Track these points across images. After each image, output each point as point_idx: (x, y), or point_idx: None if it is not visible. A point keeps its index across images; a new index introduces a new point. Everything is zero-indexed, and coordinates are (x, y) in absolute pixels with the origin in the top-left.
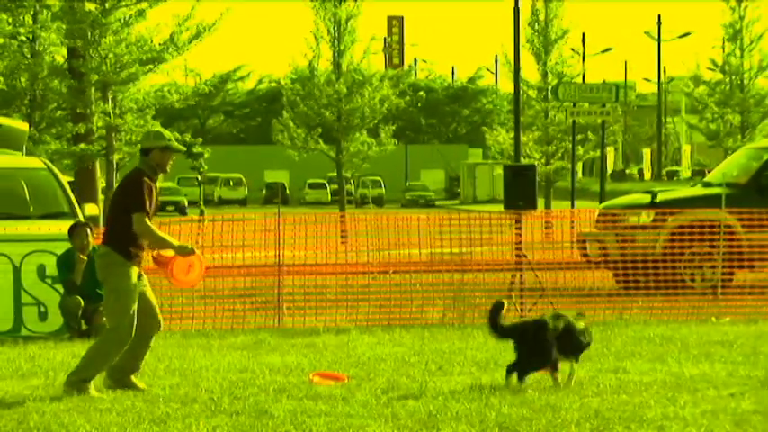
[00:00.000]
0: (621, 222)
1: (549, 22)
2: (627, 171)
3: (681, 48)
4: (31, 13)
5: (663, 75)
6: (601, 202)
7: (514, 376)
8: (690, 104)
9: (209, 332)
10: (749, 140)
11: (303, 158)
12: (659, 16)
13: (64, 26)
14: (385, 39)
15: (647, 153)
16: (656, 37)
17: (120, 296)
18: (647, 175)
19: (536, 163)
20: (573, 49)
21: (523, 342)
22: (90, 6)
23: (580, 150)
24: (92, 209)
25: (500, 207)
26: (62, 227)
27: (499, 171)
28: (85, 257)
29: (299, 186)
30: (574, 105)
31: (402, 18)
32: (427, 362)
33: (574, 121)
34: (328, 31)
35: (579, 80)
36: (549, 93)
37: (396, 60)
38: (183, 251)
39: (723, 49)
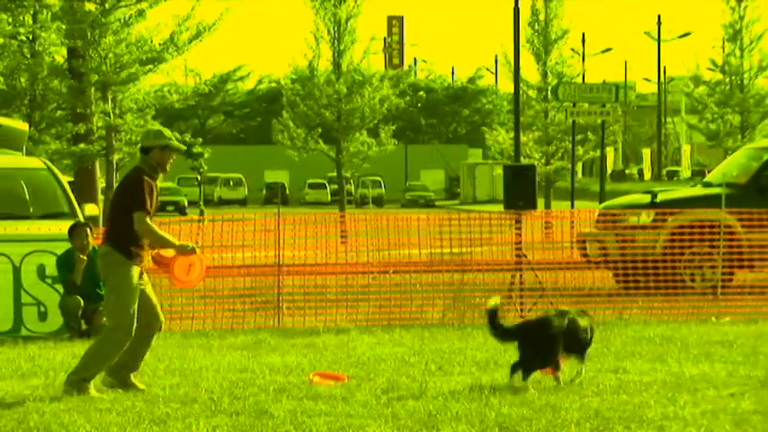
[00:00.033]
0: (621, 222)
1: (549, 22)
2: (627, 171)
3: (681, 48)
4: (31, 12)
5: (663, 75)
6: (601, 202)
7: (518, 375)
8: (690, 104)
9: (209, 332)
10: (749, 140)
11: (303, 158)
12: (659, 16)
13: (64, 26)
14: (385, 39)
15: (647, 153)
16: (656, 37)
17: (120, 296)
18: (647, 175)
19: (536, 163)
20: (573, 49)
21: (527, 340)
22: (90, 6)
23: (580, 150)
24: (92, 209)
25: (500, 207)
26: (62, 227)
27: (499, 171)
28: (85, 257)
29: (298, 186)
30: (574, 105)
31: (402, 18)
32: (427, 362)
33: (574, 121)
34: (328, 31)
35: (579, 80)
36: (549, 93)
37: (396, 60)
38: (184, 250)
39: (723, 49)
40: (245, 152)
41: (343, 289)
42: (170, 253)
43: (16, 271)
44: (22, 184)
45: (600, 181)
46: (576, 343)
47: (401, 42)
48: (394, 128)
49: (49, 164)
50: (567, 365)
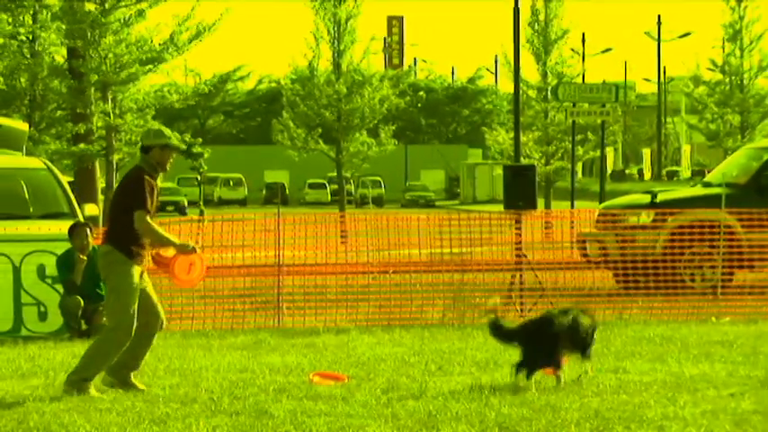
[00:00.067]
0: (621, 222)
1: (549, 22)
2: (627, 171)
3: (681, 48)
4: (31, 13)
5: (663, 75)
6: (601, 203)
7: (522, 374)
8: (690, 104)
9: (209, 332)
10: (749, 140)
11: (303, 158)
12: (659, 16)
13: (64, 26)
14: (385, 39)
15: (646, 153)
16: (656, 37)
17: (120, 295)
18: (647, 175)
19: (536, 163)
20: (573, 49)
21: (530, 339)
22: (90, 6)
23: (580, 150)
24: (92, 209)
25: (500, 207)
26: (62, 227)
27: (499, 171)
28: (85, 257)
29: (298, 186)
30: (574, 105)
31: (402, 18)
32: (427, 362)
33: (574, 122)
34: (328, 31)
35: (579, 80)
36: (549, 93)
37: (396, 60)
38: (185, 249)
39: (723, 49)
40: (245, 152)
41: (343, 289)
42: (170, 252)
43: (16, 271)
44: (22, 184)
45: (600, 181)
46: (579, 341)
47: (401, 42)
48: (394, 128)
49: (49, 164)
50: (569, 365)
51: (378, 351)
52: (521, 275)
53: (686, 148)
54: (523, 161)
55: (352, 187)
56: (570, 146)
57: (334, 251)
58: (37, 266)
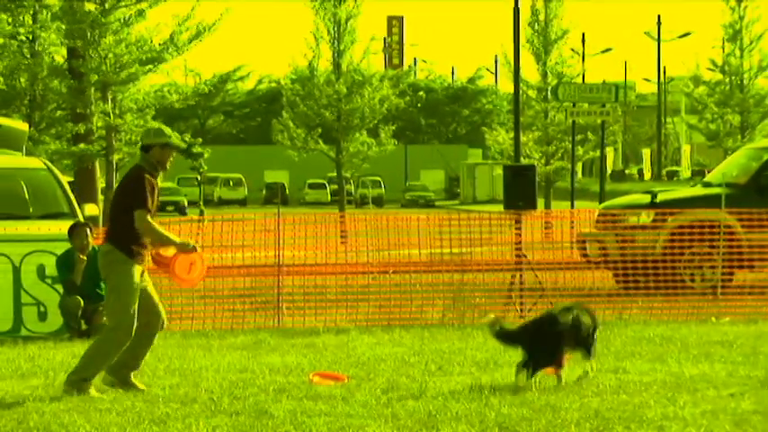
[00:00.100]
0: (621, 222)
1: (549, 22)
2: (627, 171)
3: (681, 48)
4: (31, 13)
5: (663, 75)
6: (600, 203)
7: (523, 374)
8: (690, 104)
9: (209, 332)
10: (749, 140)
11: (303, 158)
12: (659, 16)
13: (64, 26)
14: (385, 39)
15: (646, 153)
16: (656, 37)
17: (121, 295)
18: (647, 176)
19: (536, 163)
20: (573, 50)
21: (533, 339)
22: (90, 6)
23: (580, 150)
24: (91, 209)
25: (500, 207)
26: (62, 227)
27: (499, 171)
28: (85, 257)
29: (298, 186)
30: (574, 105)
31: (402, 18)
32: (427, 362)
33: (574, 122)
34: (328, 31)
35: (579, 80)
36: (549, 93)
37: (396, 60)
38: (185, 248)
39: (723, 49)
40: (245, 152)
41: (342, 289)
42: (170, 252)
43: (16, 271)
44: (22, 184)
45: (600, 181)
46: (582, 340)
47: (401, 42)
48: (394, 128)
49: (49, 164)
50: (570, 365)
51: (378, 351)
52: (521, 275)
53: (686, 148)
54: (523, 161)
55: (352, 187)
56: (570, 146)
57: (333, 251)
58: (37, 266)
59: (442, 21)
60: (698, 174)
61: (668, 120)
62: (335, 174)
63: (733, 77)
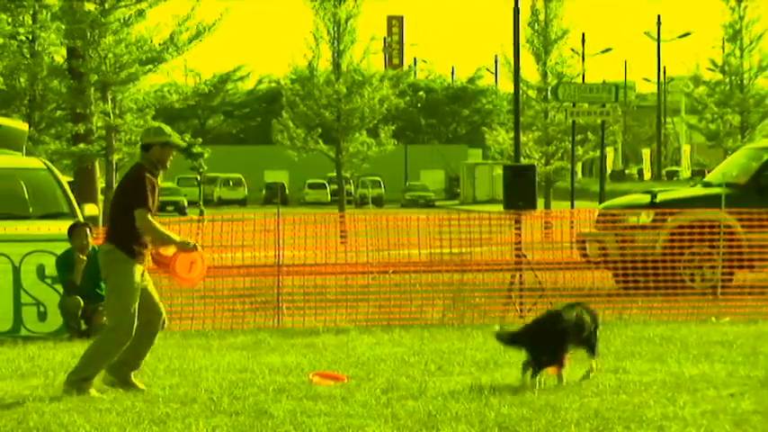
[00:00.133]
0: (621, 222)
1: (549, 22)
2: (627, 171)
3: (681, 48)
4: (31, 13)
5: (663, 75)
6: (600, 203)
7: (528, 373)
8: (690, 104)
9: (208, 332)
10: (749, 140)
11: (303, 158)
12: (659, 16)
13: (63, 26)
14: (385, 39)
15: (646, 153)
16: (656, 37)
17: (121, 294)
18: (647, 176)
19: (536, 163)
20: (573, 49)
21: (537, 338)
22: (90, 6)
23: (580, 150)
24: (91, 209)
25: (500, 207)
26: (62, 227)
27: (499, 171)
28: (85, 257)
29: (298, 186)
30: (574, 105)
31: (402, 18)
32: (427, 362)
33: (573, 122)
34: (328, 31)
35: (579, 80)
36: (549, 93)
37: (395, 60)
38: (186, 247)
39: (723, 49)
40: (245, 152)
41: (342, 289)
42: (170, 252)
43: (16, 271)
44: (22, 184)
45: (600, 181)
46: (585, 338)
47: (401, 42)
48: (394, 128)
49: (49, 164)
50: (571, 365)
51: (377, 351)
52: (520, 275)
53: (686, 148)
54: (523, 161)
55: (352, 187)
56: (570, 146)
57: (333, 251)
58: (37, 266)
59: (442, 21)
60: (698, 174)
61: (668, 120)
62: (335, 174)
63: (733, 77)
